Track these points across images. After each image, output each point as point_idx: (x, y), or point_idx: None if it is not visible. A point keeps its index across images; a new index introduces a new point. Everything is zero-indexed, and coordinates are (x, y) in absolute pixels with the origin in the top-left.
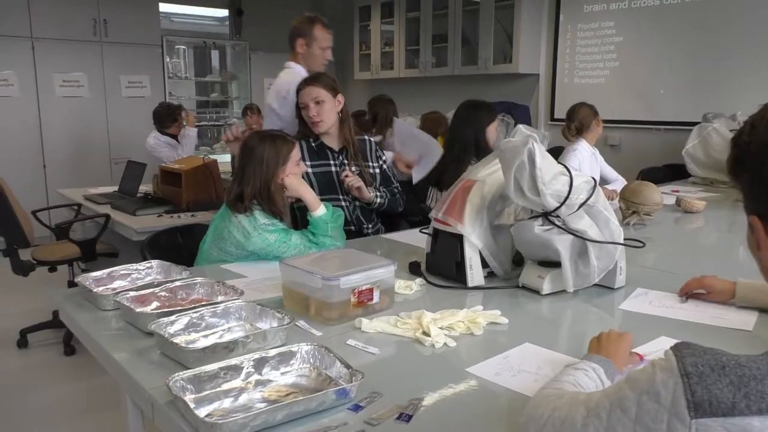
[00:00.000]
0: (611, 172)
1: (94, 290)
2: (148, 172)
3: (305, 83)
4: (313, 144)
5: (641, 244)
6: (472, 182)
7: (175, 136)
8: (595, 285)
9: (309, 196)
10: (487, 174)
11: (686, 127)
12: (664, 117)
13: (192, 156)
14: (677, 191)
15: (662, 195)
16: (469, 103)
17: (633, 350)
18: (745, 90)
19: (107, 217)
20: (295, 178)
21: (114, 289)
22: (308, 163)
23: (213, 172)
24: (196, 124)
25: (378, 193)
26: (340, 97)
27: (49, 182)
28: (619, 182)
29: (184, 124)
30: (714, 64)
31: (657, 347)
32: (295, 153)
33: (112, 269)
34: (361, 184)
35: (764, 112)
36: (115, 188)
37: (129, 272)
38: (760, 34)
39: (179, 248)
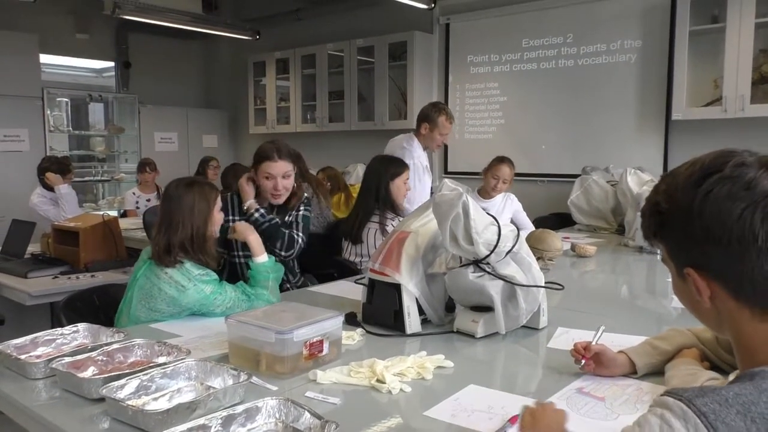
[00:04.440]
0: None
1: (22, 358)
2: (35, 232)
3: (278, 157)
4: (237, 201)
5: (561, 287)
6: (406, 234)
7: None
8: (522, 327)
9: (255, 241)
10: (420, 225)
11: (567, 179)
12: (546, 170)
13: (88, 213)
14: (568, 238)
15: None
16: (380, 158)
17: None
18: (612, 145)
19: None
20: (244, 223)
21: (38, 356)
22: (229, 216)
23: (114, 230)
24: (76, 179)
25: (261, 211)
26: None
27: None
28: (526, 231)
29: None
30: (586, 122)
31: None
32: (219, 200)
33: (34, 335)
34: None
35: (674, 182)
36: None
37: (54, 338)
38: (618, 97)
39: (96, 310)
